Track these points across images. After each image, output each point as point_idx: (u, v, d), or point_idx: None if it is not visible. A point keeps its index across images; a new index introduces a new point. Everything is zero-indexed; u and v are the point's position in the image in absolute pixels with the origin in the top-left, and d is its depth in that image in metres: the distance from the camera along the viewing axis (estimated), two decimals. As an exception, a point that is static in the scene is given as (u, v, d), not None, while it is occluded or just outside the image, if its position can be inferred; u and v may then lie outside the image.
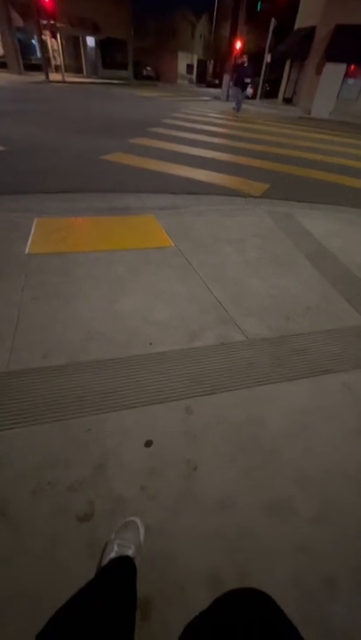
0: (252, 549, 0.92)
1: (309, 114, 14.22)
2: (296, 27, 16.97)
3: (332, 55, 13.73)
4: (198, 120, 9.10)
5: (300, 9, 16.89)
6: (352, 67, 13.91)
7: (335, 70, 14.04)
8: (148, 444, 1.16)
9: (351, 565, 0.91)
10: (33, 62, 19.36)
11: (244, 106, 12.11)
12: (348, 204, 3.81)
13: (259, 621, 0.46)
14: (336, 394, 1.43)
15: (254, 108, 14.84)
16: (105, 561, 0.82)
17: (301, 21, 16.45)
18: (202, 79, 36.68)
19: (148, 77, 30.62)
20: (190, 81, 36.84)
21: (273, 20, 13.57)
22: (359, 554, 0.94)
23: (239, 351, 1.59)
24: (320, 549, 0.94)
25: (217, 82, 28.27)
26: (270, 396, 1.38)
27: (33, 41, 19.34)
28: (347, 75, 14.12)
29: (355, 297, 2.07)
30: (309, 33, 14.84)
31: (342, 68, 13.93)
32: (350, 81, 14.25)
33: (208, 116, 10.23)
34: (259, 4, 18.85)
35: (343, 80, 14.23)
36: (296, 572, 0.89)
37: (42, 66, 16.74)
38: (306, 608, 0.83)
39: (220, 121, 9.68)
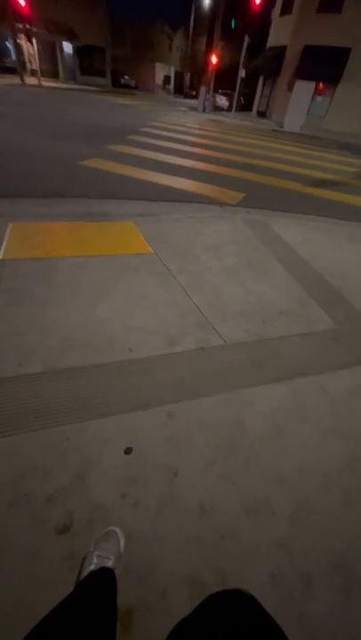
0: (233, 551, 0.93)
1: (282, 127, 14.87)
2: (268, 45, 17.79)
3: (302, 73, 14.52)
4: (176, 129, 9.26)
5: (271, 29, 17.73)
6: (320, 85, 14.78)
7: (305, 87, 14.86)
8: (129, 451, 1.14)
9: (328, 562, 0.94)
10: (7, 65, 19.02)
11: (218, 117, 12.13)
12: (317, 212, 3.99)
13: (244, 622, 0.46)
14: (312, 395, 1.48)
15: (229, 119, 15.31)
16: (84, 573, 0.80)
17: (273, 40, 17.27)
18: (179, 90, 37.57)
19: (126, 86, 30.81)
20: (168, 91, 37.61)
21: (246, 37, 14.16)
22: (336, 551, 0.97)
23: (218, 355, 1.61)
24: (298, 548, 0.96)
25: (194, 93, 29.11)
26: (249, 398, 1.41)
27: (7, 43, 18.98)
28: (316, 92, 14.98)
29: (327, 302, 2.16)
30: (281, 51, 15.60)
31: (312, 85, 14.79)
32: (319, 98, 15.12)
33: (186, 126, 10.44)
34: (233, 22, 19.57)
35: (313, 97, 15.07)
36: (275, 571, 0.91)
37: (16, 69, 16.44)
38: (285, 606, 0.85)
39: (198, 131, 9.90)
